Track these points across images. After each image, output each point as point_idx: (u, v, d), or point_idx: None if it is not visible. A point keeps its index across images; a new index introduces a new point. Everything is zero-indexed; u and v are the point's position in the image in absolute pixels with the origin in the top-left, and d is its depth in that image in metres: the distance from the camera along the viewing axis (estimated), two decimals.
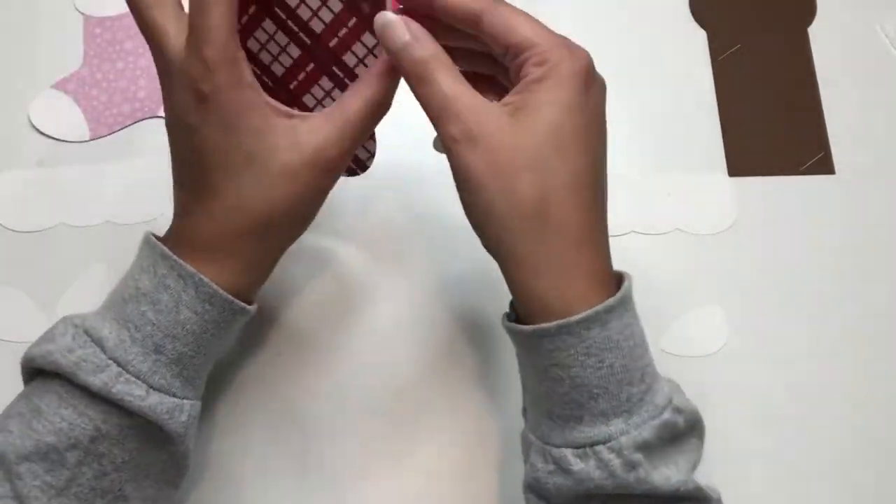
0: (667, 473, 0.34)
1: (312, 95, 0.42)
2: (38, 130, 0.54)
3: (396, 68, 0.37)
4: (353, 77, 0.41)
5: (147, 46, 0.39)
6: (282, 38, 0.40)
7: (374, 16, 0.37)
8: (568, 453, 0.35)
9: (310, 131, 0.37)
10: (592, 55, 0.57)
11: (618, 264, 0.52)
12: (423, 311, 0.50)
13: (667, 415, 0.35)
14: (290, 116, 0.37)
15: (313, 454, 0.47)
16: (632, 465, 0.34)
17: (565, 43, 0.37)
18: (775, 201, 0.54)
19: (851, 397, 0.49)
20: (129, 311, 0.37)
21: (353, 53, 0.40)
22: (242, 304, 0.39)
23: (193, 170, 0.38)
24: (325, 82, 0.41)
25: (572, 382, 0.34)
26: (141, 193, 0.53)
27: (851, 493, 0.47)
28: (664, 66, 0.58)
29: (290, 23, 0.40)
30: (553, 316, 0.34)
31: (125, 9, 0.57)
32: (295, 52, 0.41)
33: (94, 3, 0.58)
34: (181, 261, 0.37)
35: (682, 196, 0.54)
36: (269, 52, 0.41)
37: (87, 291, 0.50)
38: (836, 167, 0.55)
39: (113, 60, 0.56)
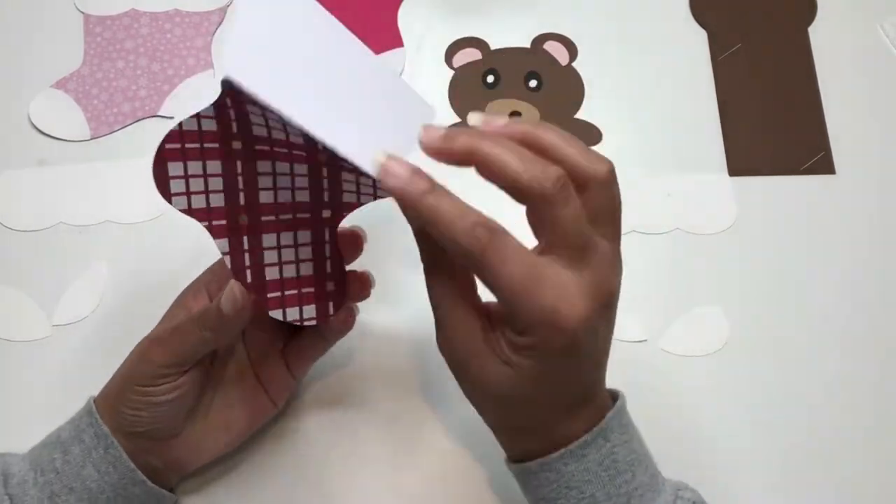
0: None
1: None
2: (38, 130, 0.54)
3: (202, 316, 0.39)
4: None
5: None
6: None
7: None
8: None
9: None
10: (593, 56, 0.58)
11: None
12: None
13: None
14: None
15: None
16: None
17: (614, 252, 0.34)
18: (775, 201, 0.54)
19: (852, 397, 0.49)
20: (43, 455, 0.40)
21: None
22: (143, 476, 0.40)
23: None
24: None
25: None
26: (141, 193, 0.53)
27: (851, 492, 0.47)
28: (664, 66, 0.58)
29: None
30: (538, 456, 0.36)
31: (125, 8, 0.57)
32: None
33: (94, 2, 0.58)
34: (100, 420, 0.39)
35: (682, 196, 0.54)
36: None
37: (87, 291, 0.50)
38: (836, 167, 0.55)
39: (113, 59, 0.56)
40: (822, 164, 0.55)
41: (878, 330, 0.51)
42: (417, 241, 0.35)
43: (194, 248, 0.51)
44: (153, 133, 0.54)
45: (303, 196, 0.39)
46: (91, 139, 0.54)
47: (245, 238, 0.38)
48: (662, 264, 0.52)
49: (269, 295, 0.39)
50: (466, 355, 0.34)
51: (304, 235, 0.40)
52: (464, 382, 0.36)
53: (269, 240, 0.39)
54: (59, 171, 0.53)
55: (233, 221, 0.38)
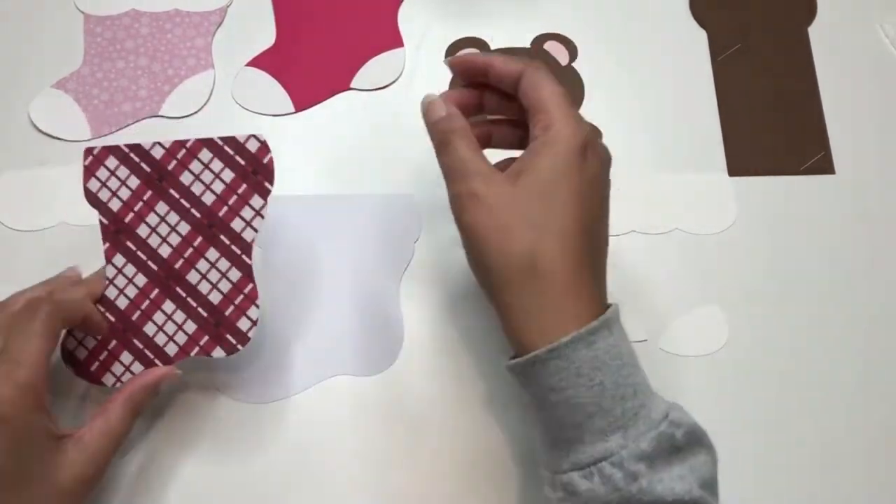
0: (670, 485, 0.35)
1: (154, 322, 0.44)
2: (38, 130, 0.54)
3: (133, 397, 0.41)
4: (196, 293, 0.44)
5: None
6: (130, 269, 0.45)
7: (216, 234, 0.44)
8: (575, 476, 0.36)
9: (73, 459, 0.39)
10: (593, 56, 0.58)
11: (618, 264, 0.52)
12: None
13: (663, 427, 0.36)
14: (61, 438, 0.39)
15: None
16: (633, 477, 0.35)
17: (573, 114, 0.40)
18: (775, 201, 0.54)
19: (851, 397, 0.49)
20: None
21: (197, 270, 0.44)
22: None
23: None
24: (169, 305, 0.44)
25: (568, 404, 0.36)
26: None
27: (851, 492, 0.47)
28: (664, 66, 0.58)
29: (139, 253, 0.45)
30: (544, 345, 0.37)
31: (125, 8, 0.57)
32: (142, 281, 0.45)
33: (94, 2, 0.58)
34: None
35: (682, 196, 0.54)
36: (115, 285, 0.45)
37: None
38: (836, 167, 0.55)
39: (113, 59, 0.56)
40: (821, 164, 0.55)
41: (878, 330, 0.51)
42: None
43: None
44: (154, 133, 0.54)
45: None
46: (91, 139, 0.54)
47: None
48: (662, 264, 0.52)
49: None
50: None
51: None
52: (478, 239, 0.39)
53: None
54: (60, 172, 0.53)
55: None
